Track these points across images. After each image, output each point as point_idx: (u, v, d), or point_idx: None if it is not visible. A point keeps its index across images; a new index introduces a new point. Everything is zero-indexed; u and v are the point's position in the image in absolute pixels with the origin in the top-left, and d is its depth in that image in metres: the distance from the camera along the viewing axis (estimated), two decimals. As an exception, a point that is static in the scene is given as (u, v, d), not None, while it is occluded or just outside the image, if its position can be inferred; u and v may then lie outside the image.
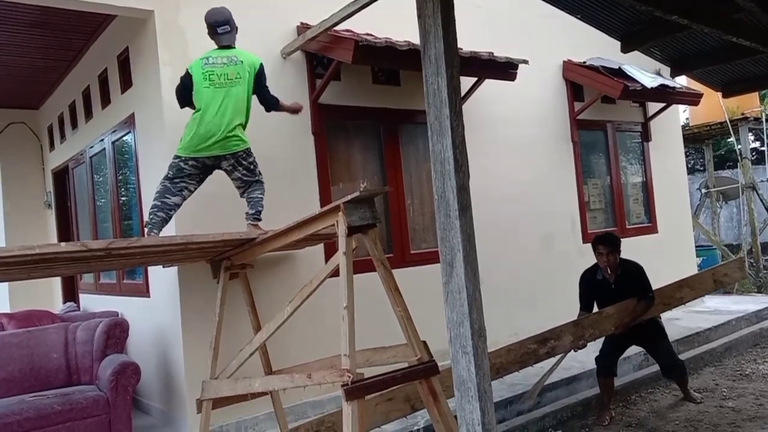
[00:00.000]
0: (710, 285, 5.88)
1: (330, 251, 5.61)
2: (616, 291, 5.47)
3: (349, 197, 3.62)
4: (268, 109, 4.95)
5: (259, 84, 4.78)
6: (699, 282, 5.86)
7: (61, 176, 8.49)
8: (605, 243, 5.50)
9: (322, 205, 5.57)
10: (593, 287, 5.59)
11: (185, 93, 4.73)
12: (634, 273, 5.50)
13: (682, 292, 5.72)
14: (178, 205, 4.68)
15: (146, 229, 4.62)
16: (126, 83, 5.91)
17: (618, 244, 5.52)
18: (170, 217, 4.67)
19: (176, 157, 4.64)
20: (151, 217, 4.60)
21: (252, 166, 4.79)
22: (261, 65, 4.79)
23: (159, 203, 4.61)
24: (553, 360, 5.33)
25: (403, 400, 4.17)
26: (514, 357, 5.08)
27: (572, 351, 5.34)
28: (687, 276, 6.07)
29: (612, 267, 5.49)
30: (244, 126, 4.72)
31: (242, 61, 4.69)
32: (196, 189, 4.74)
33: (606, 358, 5.50)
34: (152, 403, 5.68)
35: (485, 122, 6.94)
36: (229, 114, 4.60)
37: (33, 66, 7.16)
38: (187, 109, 4.82)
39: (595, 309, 5.60)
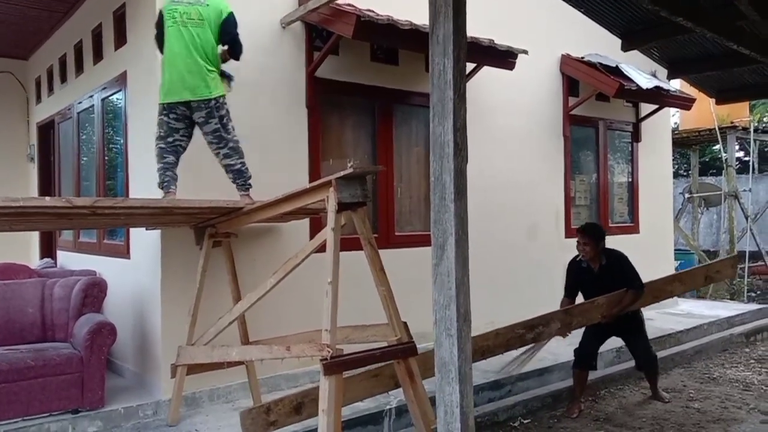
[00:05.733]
0: (701, 281, 5.97)
1: (315, 227, 5.59)
2: (599, 280, 5.49)
3: (342, 173, 3.61)
4: (236, 59, 4.79)
5: (227, 32, 4.63)
6: (690, 277, 5.93)
7: (46, 130, 8.34)
8: (583, 233, 5.52)
9: (311, 180, 5.54)
10: (578, 275, 5.61)
11: (160, 36, 4.62)
12: (619, 263, 5.52)
13: (673, 285, 5.77)
14: (176, 162, 4.66)
15: (162, 189, 4.60)
16: (120, 40, 5.80)
17: (598, 235, 5.51)
18: (176, 175, 4.65)
19: (161, 111, 4.60)
20: (162, 177, 4.60)
21: (226, 120, 4.67)
22: (231, 14, 4.66)
23: (163, 164, 4.61)
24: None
25: (389, 377, 4.20)
26: (502, 341, 5.12)
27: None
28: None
29: (590, 258, 5.48)
30: (216, 73, 4.62)
31: (208, 5, 4.58)
32: (187, 144, 4.71)
33: (585, 351, 5.56)
34: (126, 365, 5.65)
35: (478, 109, 6.92)
36: (195, 55, 4.50)
37: (25, 15, 6.99)
38: None
39: (579, 297, 5.67)
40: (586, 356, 5.56)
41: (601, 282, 5.49)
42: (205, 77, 4.54)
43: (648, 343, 5.78)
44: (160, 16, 4.61)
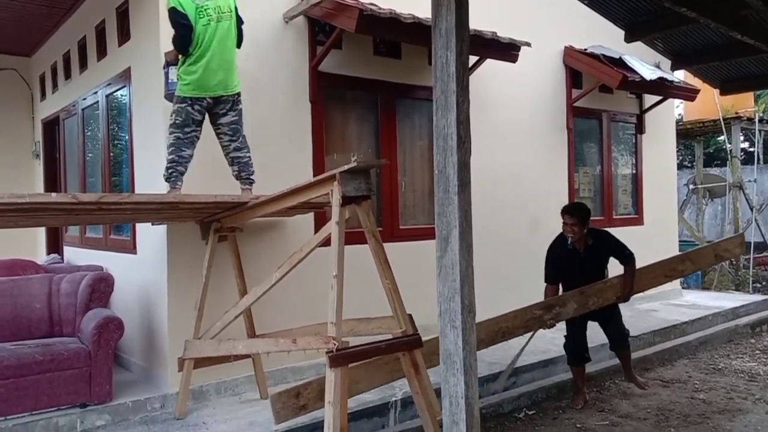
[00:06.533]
0: (711, 259, 5.98)
1: (320, 221, 5.61)
2: (586, 261, 5.37)
3: (346, 167, 3.61)
4: (239, 48, 4.89)
5: (240, 24, 4.81)
6: (701, 256, 5.91)
7: (51, 127, 8.37)
8: (570, 213, 5.32)
9: (314, 174, 5.56)
10: (563, 257, 5.42)
11: (189, 35, 4.50)
12: (606, 241, 5.43)
13: (684, 264, 5.75)
14: (192, 156, 4.67)
15: (169, 184, 4.61)
16: (124, 36, 5.82)
17: (586, 215, 5.34)
18: (186, 170, 4.66)
19: (183, 100, 4.56)
20: (171, 171, 4.59)
21: (241, 113, 4.81)
22: (236, 5, 4.82)
23: (177, 157, 4.59)
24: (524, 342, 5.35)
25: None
26: (521, 322, 5.11)
27: (542, 330, 5.30)
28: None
29: (578, 238, 5.33)
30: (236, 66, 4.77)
31: None
32: (199, 137, 4.72)
33: (574, 345, 5.53)
34: (133, 360, 5.69)
35: (481, 102, 6.92)
36: (227, 49, 4.63)
37: (28, 12, 7.01)
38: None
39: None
40: (578, 352, 5.54)
41: (587, 263, 5.36)
42: (234, 71, 4.69)
43: (621, 321, 5.69)
44: (184, 16, 4.46)
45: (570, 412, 5.41)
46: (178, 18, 4.49)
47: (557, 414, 5.40)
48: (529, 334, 5.28)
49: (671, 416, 5.22)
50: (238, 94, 4.76)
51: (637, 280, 5.45)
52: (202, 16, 4.54)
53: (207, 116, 4.73)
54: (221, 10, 4.61)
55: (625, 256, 5.38)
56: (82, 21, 6.82)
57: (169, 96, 4.72)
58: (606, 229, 6.00)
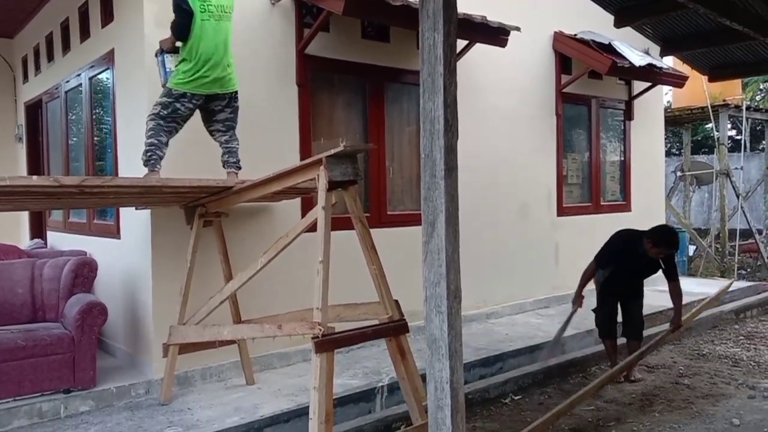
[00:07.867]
0: (725, 292, 7.37)
1: (307, 206, 5.56)
2: (646, 267, 5.66)
3: (332, 151, 3.57)
4: None
5: None
6: (722, 292, 7.07)
7: (34, 110, 8.23)
8: (669, 247, 5.49)
9: (301, 159, 5.51)
10: (628, 255, 5.57)
11: (188, 24, 4.44)
12: (668, 257, 5.63)
13: (722, 295, 6.93)
14: (168, 143, 4.62)
15: (147, 168, 4.54)
16: (107, 17, 5.71)
17: (677, 246, 5.64)
18: (164, 155, 4.60)
19: (171, 94, 4.50)
20: (150, 155, 4.53)
21: (237, 111, 4.80)
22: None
23: (156, 141, 4.53)
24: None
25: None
26: (611, 378, 5.42)
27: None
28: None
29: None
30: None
31: None
32: (179, 131, 4.67)
33: (607, 322, 5.81)
34: (117, 345, 5.65)
35: (470, 87, 6.88)
36: (227, 50, 4.61)
37: (9, -8, 6.88)
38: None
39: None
40: (608, 325, 5.84)
41: (646, 269, 5.68)
42: (233, 71, 4.68)
43: (641, 310, 5.87)
44: (186, 2, 4.42)
45: (556, 397, 5.43)
46: (181, 3, 4.46)
47: (543, 399, 5.42)
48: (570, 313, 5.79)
49: (656, 401, 5.26)
50: (236, 92, 4.73)
51: (696, 312, 6.27)
52: (203, 9, 4.48)
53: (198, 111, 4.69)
54: (224, 9, 4.58)
55: (675, 274, 5.68)
56: (64, 2, 6.68)
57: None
58: (594, 216, 6.05)
